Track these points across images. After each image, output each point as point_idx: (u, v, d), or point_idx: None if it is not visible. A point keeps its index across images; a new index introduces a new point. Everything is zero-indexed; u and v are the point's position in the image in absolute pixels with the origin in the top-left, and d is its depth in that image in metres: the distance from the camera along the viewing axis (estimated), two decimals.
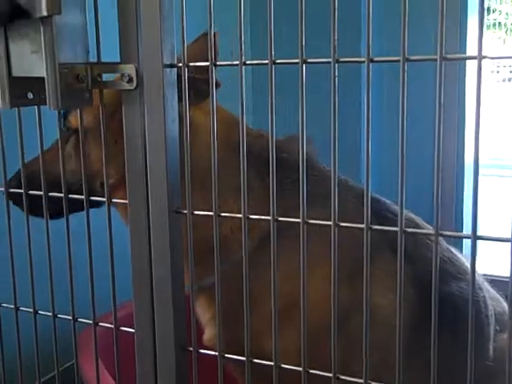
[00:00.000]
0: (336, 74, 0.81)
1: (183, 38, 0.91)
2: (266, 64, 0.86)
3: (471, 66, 2.41)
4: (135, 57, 0.94)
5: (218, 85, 1.13)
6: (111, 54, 0.97)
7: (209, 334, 1.31)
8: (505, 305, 1.35)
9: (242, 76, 0.87)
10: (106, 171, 1.00)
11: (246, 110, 0.88)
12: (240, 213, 0.92)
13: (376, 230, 0.86)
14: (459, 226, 2.59)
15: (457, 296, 1.15)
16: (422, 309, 1.13)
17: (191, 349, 0.99)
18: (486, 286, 1.34)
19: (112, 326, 1.07)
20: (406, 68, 0.77)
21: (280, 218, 0.90)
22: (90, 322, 1.09)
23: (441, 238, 1.28)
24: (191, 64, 0.92)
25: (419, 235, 1.19)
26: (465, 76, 2.36)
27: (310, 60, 0.82)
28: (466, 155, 2.46)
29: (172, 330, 0.99)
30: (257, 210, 0.94)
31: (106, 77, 0.98)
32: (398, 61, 0.77)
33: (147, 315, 1.01)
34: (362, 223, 0.84)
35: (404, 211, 1.25)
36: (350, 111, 2.22)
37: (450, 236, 0.82)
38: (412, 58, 0.77)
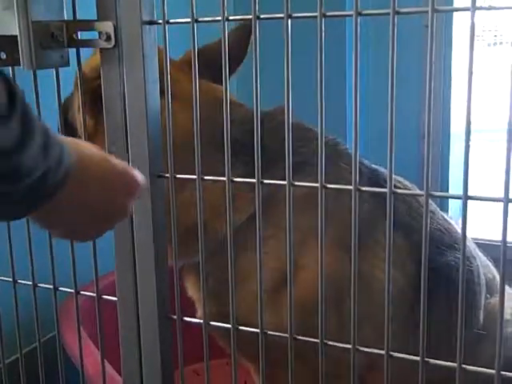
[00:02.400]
0: (323, 29, 0.77)
1: None
2: (250, 19, 0.82)
3: (457, 29, 2.38)
4: (113, 14, 0.89)
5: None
6: (89, 11, 0.93)
7: (201, 312, 1.26)
8: (493, 270, 1.33)
9: (225, 32, 0.83)
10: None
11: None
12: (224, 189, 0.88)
13: (367, 192, 0.83)
14: (445, 191, 2.57)
15: (452, 266, 1.13)
16: (419, 281, 1.10)
17: (175, 317, 0.97)
18: (478, 252, 1.32)
19: (94, 295, 1.04)
20: (395, 22, 0.74)
21: (265, 181, 0.87)
22: (72, 290, 1.06)
23: (435, 207, 1.25)
24: (171, 21, 0.88)
25: (415, 205, 1.16)
26: (451, 38, 2.32)
27: (295, 14, 0.79)
28: (451, 119, 2.43)
29: (155, 297, 0.97)
30: (243, 184, 0.90)
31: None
32: (388, 14, 0.74)
33: (129, 283, 0.98)
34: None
35: (399, 179, 1.23)
36: (333, 72, 2.17)
37: (439, 196, 0.80)
38: (402, 10, 0.73)
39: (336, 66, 2.20)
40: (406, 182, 1.20)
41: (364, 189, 0.81)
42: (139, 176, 0.74)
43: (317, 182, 0.83)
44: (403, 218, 1.11)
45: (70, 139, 0.67)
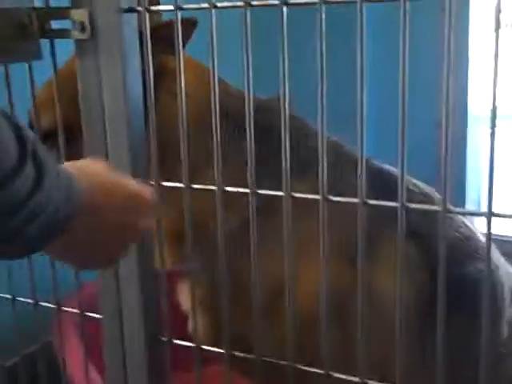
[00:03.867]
0: (323, 17, 0.66)
1: None
2: (241, 7, 0.71)
3: (474, 9, 2.25)
4: (88, 0, 0.79)
5: (194, 23, 0.96)
6: None
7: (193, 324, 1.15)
8: None
9: (212, 21, 0.72)
10: None
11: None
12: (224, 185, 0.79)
13: (374, 205, 0.72)
14: (463, 182, 2.43)
15: (474, 277, 1.01)
16: (432, 292, 0.99)
17: (165, 339, 0.87)
18: (500, 259, 1.20)
19: (76, 311, 0.95)
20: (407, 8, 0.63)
21: (260, 191, 0.76)
22: (52, 306, 0.97)
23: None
24: (153, 8, 0.77)
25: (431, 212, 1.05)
26: (468, 21, 2.20)
27: (292, 1, 0.68)
28: (469, 105, 2.30)
29: (141, 317, 0.87)
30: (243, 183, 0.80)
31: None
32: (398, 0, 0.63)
33: (113, 301, 0.88)
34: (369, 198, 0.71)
35: (415, 182, 1.11)
36: (344, 62, 2.06)
37: (459, 213, 0.69)
38: None
39: (347, 55, 2.09)
40: (423, 186, 1.08)
41: (371, 202, 0.71)
42: (150, 195, 0.71)
43: (317, 187, 0.74)
44: (417, 226, 0.99)
45: (78, 165, 0.66)
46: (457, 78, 2.20)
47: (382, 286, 0.97)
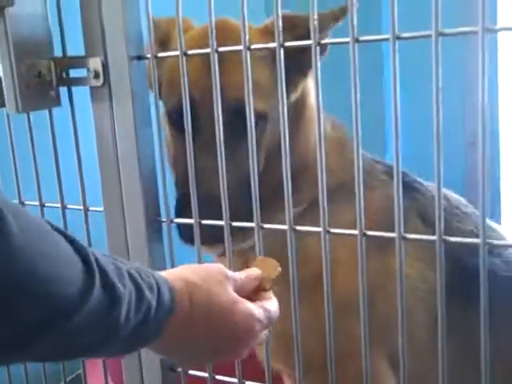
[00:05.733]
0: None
1: (149, 23, 0.80)
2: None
3: (504, 38, 2.25)
4: (101, 49, 0.83)
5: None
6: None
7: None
8: None
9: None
10: None
11: None
12: None
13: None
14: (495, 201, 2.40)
15: (491, 271, 1.01)
16: (454, 282, 1.00)
17: (180, 370, 0.90)
18: None
19: None
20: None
21: (265, 225, 0.79)
22: None
23: (472, 210, 1.15)
24: (160, 55, 0.82)
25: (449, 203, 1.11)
26: (496, 50, 2.19)
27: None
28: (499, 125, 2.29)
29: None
30: None
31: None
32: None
33: None
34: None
35: (445, 192, 1.13)
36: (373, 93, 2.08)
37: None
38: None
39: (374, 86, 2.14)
40: (452, 196, 1.11)
41: (370, 233, 0.73)
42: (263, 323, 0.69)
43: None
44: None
45: (186, 273, 0.66)
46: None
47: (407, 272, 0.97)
